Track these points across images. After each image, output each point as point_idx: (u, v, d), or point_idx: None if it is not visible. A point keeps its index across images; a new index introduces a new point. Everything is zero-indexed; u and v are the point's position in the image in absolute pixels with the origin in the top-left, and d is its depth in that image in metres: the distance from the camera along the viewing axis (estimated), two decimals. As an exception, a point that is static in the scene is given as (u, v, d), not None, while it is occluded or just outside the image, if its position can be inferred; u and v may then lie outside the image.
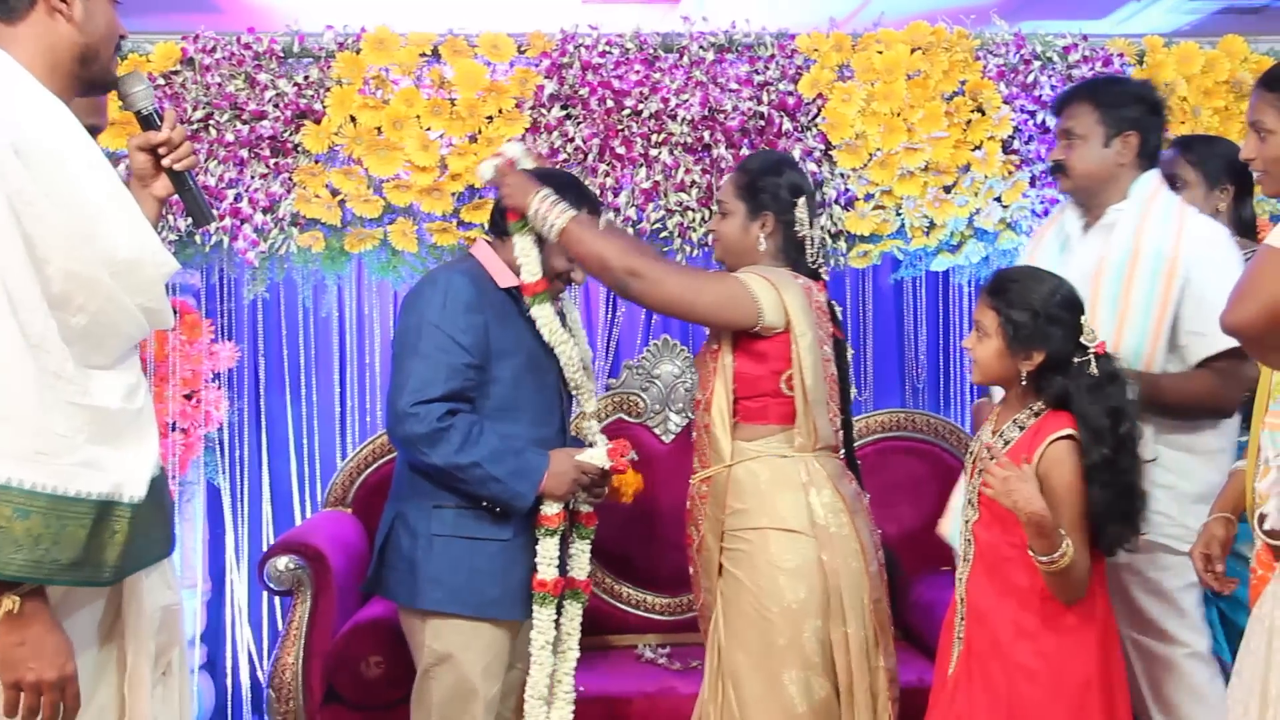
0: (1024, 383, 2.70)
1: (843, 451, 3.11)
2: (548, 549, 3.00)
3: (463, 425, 2.88)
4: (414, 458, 2.92)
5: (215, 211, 3.71)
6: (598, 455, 3.03)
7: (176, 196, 2.29)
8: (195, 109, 3.74)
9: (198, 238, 3.76)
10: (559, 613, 3.07)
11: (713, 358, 3.01)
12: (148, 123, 2.27)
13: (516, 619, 3.03)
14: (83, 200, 1.98)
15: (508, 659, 3.04)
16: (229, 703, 4.42)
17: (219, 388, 4.20)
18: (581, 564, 3.16)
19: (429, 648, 2.98)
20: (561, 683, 3.10)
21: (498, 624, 2.99)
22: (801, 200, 3.02)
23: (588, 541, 3.17)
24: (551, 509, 2.98)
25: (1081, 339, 2.68)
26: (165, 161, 2.25)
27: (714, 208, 3.21)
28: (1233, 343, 3.10)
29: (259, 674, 4.45)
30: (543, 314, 3.03)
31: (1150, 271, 3.04)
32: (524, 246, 3.00)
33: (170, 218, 3.70)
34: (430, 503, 2.96)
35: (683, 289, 2.92)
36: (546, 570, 3.00)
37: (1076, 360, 2.66)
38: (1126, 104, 3.20)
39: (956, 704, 2.73)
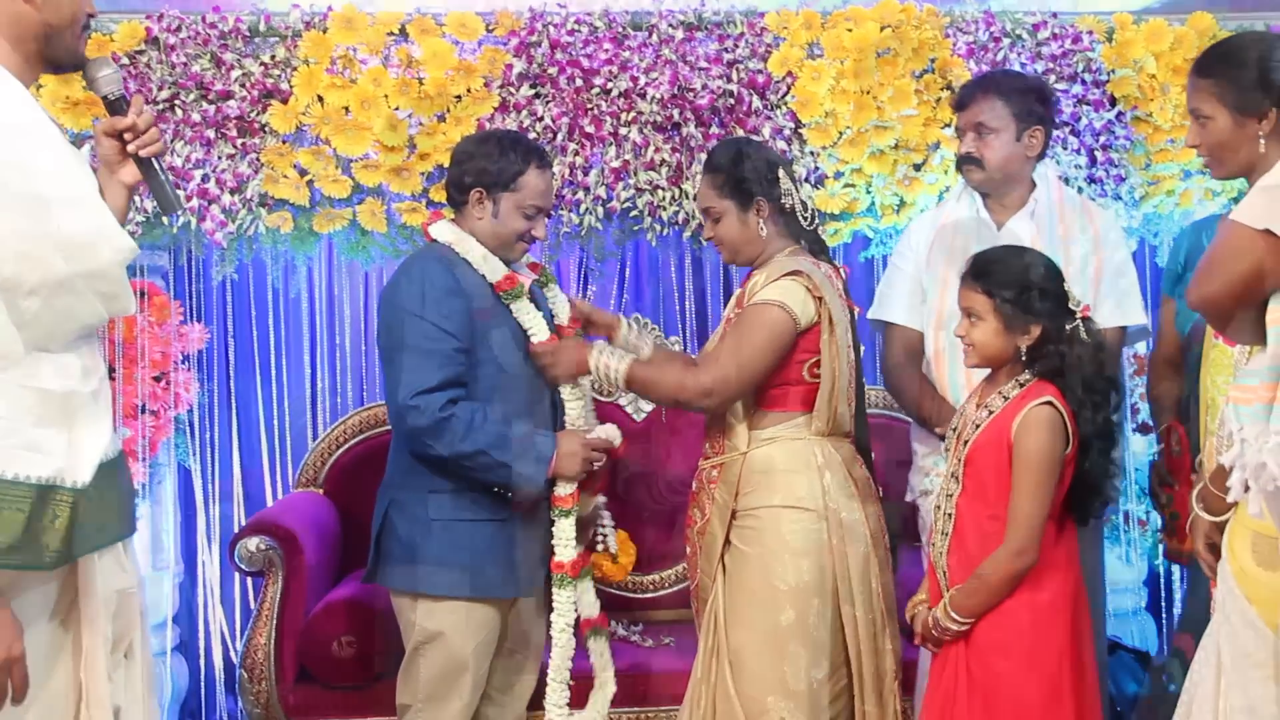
0: (1023, 357, 2.74)
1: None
2: (564, 530, 3.01)
3: (464, 414, 2.87)
4: (420, 450, 2.91)
5: (182, 195, 3.68)
6: (609, 431, 3.05)
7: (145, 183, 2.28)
8: (161, 89, 3.72)
9: (164, 219, 3.73)
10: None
11: (725, 321, 3.02)
12: (114, 108, 2.25)
13: (514, 597, 3.05)
14: (35, 181, 1.96)
15: (497, 637, 3.04)
16: (202, 683, 4.41)
17: (188, 369, 4.18)
18: (569, 543, 3.11)
19: (420, 626, 2.98)
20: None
21: (490, 603, 2.99)
22: (780, 172, 3.03)
23: (571, 519, 3.12)
24: (565, 489, 3.00)
25: (1069, 305, 2.74)
26: (131, 147, 2.23)
27: (699, 215, 3.18)
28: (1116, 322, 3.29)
29: (232, 655, 4.44)
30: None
31: (1080, 256, 3.26)
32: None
33: (137, 199, 3.67)
34: (427, 487, 2.96)
35: (741, 371, 2.92)
36: (564, 551, 3.01)
37: (1067, 327, 2.72)
38: (1033, 99, 3.30)
39: (945, 677, 2.78)
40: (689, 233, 3.89)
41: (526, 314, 3.02)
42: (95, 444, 2.06)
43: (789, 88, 3.87)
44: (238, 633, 4.44)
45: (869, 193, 3.95)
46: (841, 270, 3.18)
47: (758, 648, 2.90)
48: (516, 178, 3.00)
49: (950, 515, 2.77)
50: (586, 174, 3.83)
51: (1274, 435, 2.02)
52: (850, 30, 3.88)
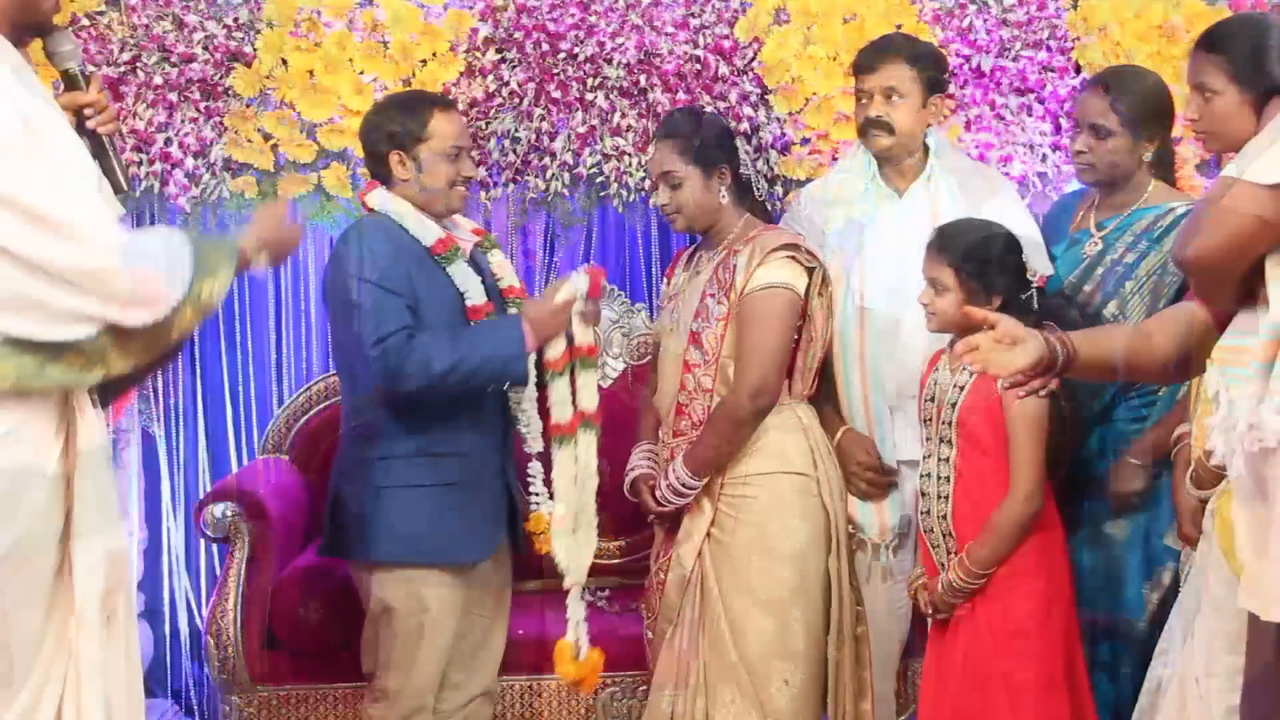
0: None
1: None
2: (560, 390, 3.03)
3: (425, 338, 2.88)
4: (404, 390, 2.88)
5: (145, 161, 3.65)
6: (577, 284, 3.01)
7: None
8: (122, 50, 3.68)
9: (126, 184, 3.69)
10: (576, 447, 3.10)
11: (724, 321, 3.02)
12: (73, 83, 2.24)
13: (474, 559, 3.05)
14: (30, 193, 1.94)
15: (461, 604, 3.05)
16: (167, 650, 4.40)
17: (152, 334, 4.14)
18: (590, 395, 3.11)
19: (376, 597, 2.99)
20: (584, 511, 3.11)
21: (448, 570, 3.00)
22: (737, 140, 3.07)
23: (593, 372, 3.13)
24: (553, 352, 3.01)
25: (1026, 276, 2.86)
26: (92, 124, 2.23)
27: (656, 185, 3.17)
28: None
29: (197, 621, 4.43)
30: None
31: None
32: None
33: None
34: (376, 454, 2.97)
35: (767, 371, 2.96)
36: (561, 412, 3.03)
37: (1023, 297, 2.83)
38: (937, 65, 3.25)
39: (939, 662, 2.90)
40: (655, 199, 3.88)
41: (461, 276, 3.02)
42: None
43: (755, 53, 3.86)
44: (203, 599, 4.43)
45: (835, 159, 3.95)
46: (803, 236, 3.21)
47: (760, 613, 2.95)
48: (425, 126, 3.01)
49: (949, 479, 2.83)
50: (553, 139, 3.82)
51: (1275, 395, 1.98)
52: (817, -5, 3.87)
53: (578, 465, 3.07)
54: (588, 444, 3.09)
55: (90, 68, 3.56)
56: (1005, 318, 2.28)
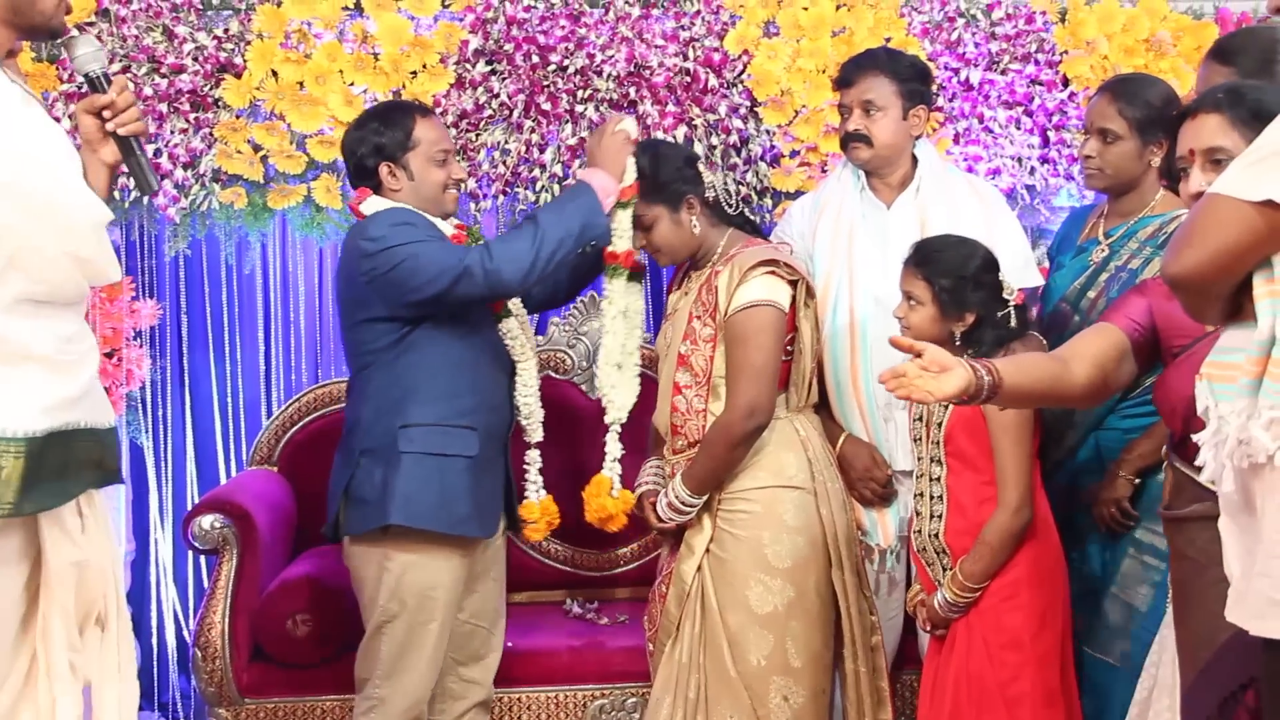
0: (957, 343, 2.81)
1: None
2: (622, 221, 3.05)
3: (499, 238, 2.96)
4: (508, 284, 2.92)
5: (123, 184, 3.64)
6: (628, 123, 3.06)
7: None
8: (112, 61, 3.67)
9: (116, 193, 3.68)
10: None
11: (712, 343, 3.01)
12: (95, 86, 2.23)
13: (486, 536, 3.07)
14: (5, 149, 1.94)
15: (461, 596, 3.07)
16: (155, 662, 4.39)
17: (141, 346, 4.14)
18: (624, 234, 3.10)
19: (383, 607, 2.99)
20: (628, 349, 3.16)
21: (460, 548, 3.00)
22: (699, 165, 3.08)
23: (629, 211, 3.09)
24: (629, 178, 3.02)
25: (1003, 294, 2.83)
26: (110, 125, 2.22)
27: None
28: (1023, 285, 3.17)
29: (185, 633, 4.42)
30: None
31: (973, 229, 3.09)
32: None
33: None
34: (397, 423, 2.97)
35: (759, 389, 2.94)
36: (619, 242, 3.06)
37: (999, 314, 2.81)
38: (917, 77, 3.26)
39: (936, 673, 2.89)
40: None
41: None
42: (47, 401, 2.04)
43: (745, 66, 3.88)
44: (191, 611, 4.42)
45: (824, 171, 3.97)
46: (792, 248, 3.22)
47: (757, 629, 2.93)
48: (410, 134, 3.03)
49: (941, 497, 2.84)
50: (543, 151, 3.83)
51: (1266, 411, 1.99)
52: (806, 9, 3.89)
53: (628, 297, 3.12)
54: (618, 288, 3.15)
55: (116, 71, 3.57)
56: (932, 346, 2.27)
